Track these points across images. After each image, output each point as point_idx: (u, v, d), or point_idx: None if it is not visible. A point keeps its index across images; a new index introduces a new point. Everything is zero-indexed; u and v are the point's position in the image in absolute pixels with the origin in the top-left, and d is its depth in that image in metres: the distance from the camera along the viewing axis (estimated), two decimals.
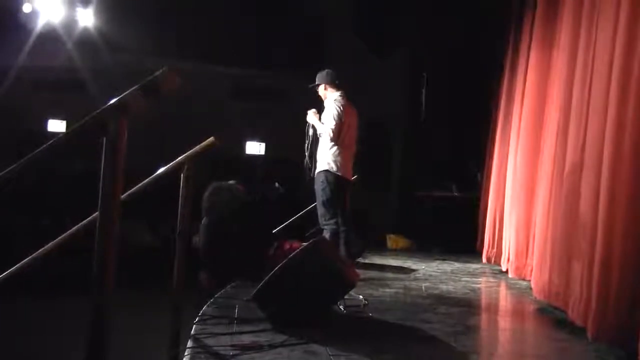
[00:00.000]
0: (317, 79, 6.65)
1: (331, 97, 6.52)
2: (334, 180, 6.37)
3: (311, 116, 6.56)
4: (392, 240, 10.78)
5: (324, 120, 6.43)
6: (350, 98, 6.67)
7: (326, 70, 6.67)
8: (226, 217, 6.18)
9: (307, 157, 6.59)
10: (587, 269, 4.36)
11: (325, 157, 6.38)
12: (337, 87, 6.60)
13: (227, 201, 6.33)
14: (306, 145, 6.61)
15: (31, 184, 8.60)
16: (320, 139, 6.48)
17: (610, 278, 3.99)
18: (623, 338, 3.82)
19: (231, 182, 6.64)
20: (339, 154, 6.38)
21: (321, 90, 6.61)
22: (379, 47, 12.44)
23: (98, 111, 2.06)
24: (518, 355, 4.17)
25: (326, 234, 6.24)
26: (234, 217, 6.17)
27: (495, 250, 8.46)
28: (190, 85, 8.64)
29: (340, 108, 6.38)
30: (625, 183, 3.97)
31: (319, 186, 6.40)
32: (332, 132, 6.31)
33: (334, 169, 6.35)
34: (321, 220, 6.42)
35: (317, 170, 6.43)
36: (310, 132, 6.59)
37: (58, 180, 10.01)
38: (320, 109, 6.59)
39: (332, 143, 6.37)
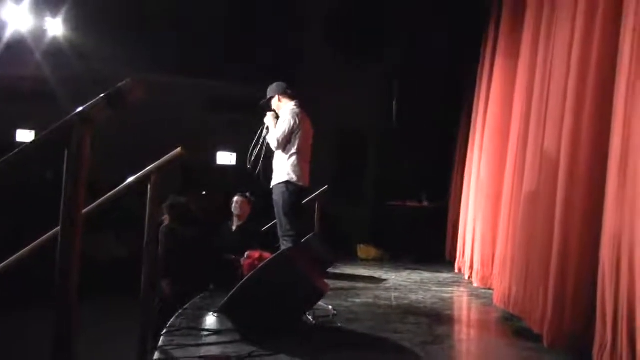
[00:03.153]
0: (268, 93, 6.61)
1: (287, 107, 6.49)
2: (295, 190, 6.36)
3: (268, 118, 6.54)
4: (362, 250, 10.79)
5: (277, 127, 6.41)
6: (318, 109, 6.67)
7: (276, 82, 6.64)
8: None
9: (250, 156, 6.53)
10: (543, 277, 4.44)
11: (284, 168, 6.34)
12: (290, 96, 6.58)
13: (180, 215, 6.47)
14: (252, 147, 6.57)
15: None
16: (276, 151, 6.45)
17: (565, 287, 4.07)
18: (578, 345, 3.89)
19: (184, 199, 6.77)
20: (297, 163, 6.35)
21: (275, 102, 6.57)
22: (351, 57, 12.48)
23: (61, 122, 2.05)
24: None
25: (287, 244, 6.21)
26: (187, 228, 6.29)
27: (464, 259, 8.52)
28: (163, 96, 8.66)
29: (296, 118, 6.37)
30: (581, 193, 4.05)
31: (279, 197, 6.35)
32: (278, 141, 6.31)
33: (294, 179, 6.32)
34: (281, 231, 6.38)
35: (276, 182, 6.39)
36: (264, 132, 6.55)
37: (28, 190, 9.89)
38: None
39: (289, 153, 6.34)
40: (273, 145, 6.36)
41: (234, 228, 7.66)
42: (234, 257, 6.83)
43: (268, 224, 7.97)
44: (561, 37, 4.69)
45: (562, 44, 4.63)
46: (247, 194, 7.73)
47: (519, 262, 5.25)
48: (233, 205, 7.68)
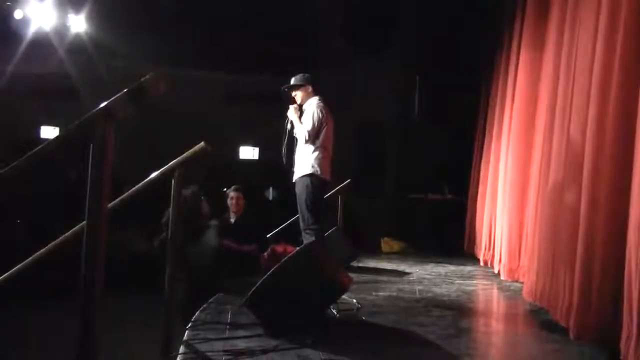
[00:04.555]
0: (297, 80, 6.55)
1: (312, 101, 6.48)
2: (318, 183, 6.35)
3: (291, 112, 6.52)
4: (386, 244, 10.77)
5: (304, 121, 6.39)
6: (337, 102, 6.67)
7: (304, 73, 6.63)
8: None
9: (284, 151, 6.54)
10: (569, 270, 4.40)
11: (308, 161, 6.33)
12: (315, 90, 6.58)
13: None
14: (283, 139, 6.58)
15: (22, 190, 8.55)
16: (299, 143, 6.45)
17: (591, 279, 4.02)
18: (605, 338, 3.84)
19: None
20: (322, 157, 6.35)
21: (301, 92, 6.56)
22: (371, 50, 12.44)
23: (84, 117, 2.06)
24: (511, 357, 4.18)
25: (310, 238, 6.20)
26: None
27: (491, 252, 8.47)
28: (184, 91, 8.69)
29: (322, 112, 6.36)
30: (606, 184, 3.99)
31: (302, 190, 6.34)
32: (309, 134, 6.30)
33: (318, 172, 6.31)
34: (304, 225, 6.37)
35: (299, 175, 6.38)
36: (289, 126, 6.55)
37: (51, 188, 9.97)
38: None
39: (314, 147, 6.34)
40: (302, 138, 6.35)
41: (232, 221, 7.79)
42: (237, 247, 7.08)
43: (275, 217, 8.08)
44: (586, 28, 4.63)
45: (586, 35, 4.57)
46: (270, 189, 7.81)
47: (545, 254, 5.21)
48: (229, 200, 7.83)
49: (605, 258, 3.92)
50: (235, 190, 7.86)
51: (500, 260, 7.58)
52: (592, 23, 4.43)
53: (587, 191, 4.14)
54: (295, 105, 6.51)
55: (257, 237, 7.54)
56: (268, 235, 7.98)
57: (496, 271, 7.73)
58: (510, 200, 7.33)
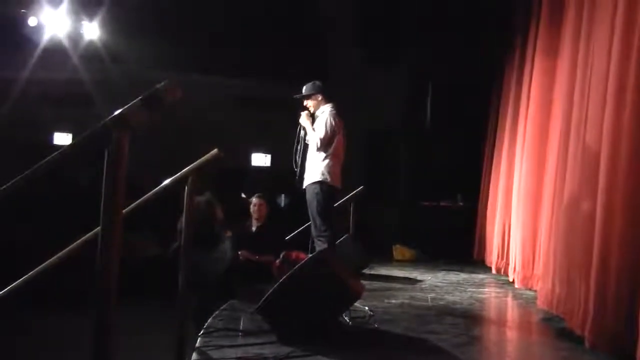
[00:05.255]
0: (308, 89, 6.60)
1: (325, 108, 6.51)
2: (328, 190, 6.37)
3: (304, 119, 6.54)
4: (397, 251, 10.75)
5: (317, 128, 6.42)
6: (348, 109, 6.68)
7: (315, 81, 6.64)
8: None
9: (296, 161, 6.56)
10: (584, 278, 4.37)
11: (318, 168, 6.35)
12: (327, 98, 6.60)
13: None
14: (295, 148, 6.60)
15: (34, 196, 8.59)
16: (310, 150, 6.46)
17: (607, 288, 3.99)
18: (620, 347, 3.81)
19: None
20: (332, 165, 6.37)
21: (313, 100, 6.58)
22: (382, 57, 12.44)
23: (100, 124, 2.06)
24: None
25: (322, 245, 6.20)
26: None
27: (504, 260, 8.43)
28: (197, 97, 8.71)
29: (335, 119, 6.39)
30: (622, 193, 3.96)
31: (312, 197, 6.37)
32: (321, 141, 6.32)
33: (328, 179, 6.34)
34: (316, 232, 6.38)
35: (309, 182, 6.40)
36: (302, 133, 6.57)
37: (63, 193, 10.01)
38: None
39: (325, 154, 6.36)
40: (314, 146, 6.37)
41: (253, 229, 7.68)
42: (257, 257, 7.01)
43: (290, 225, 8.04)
44: (601, 33, 4.61)
45: (602, 41, 4.55)
46: (282, 196, 7.78)
47: (561, 262, 5.17)
48: (252, 207, 7.70)
49: (620, 266, 3.89)
50: (258, 197, 7.74)
51: (515, 269, 7.53)
52: (608, 29, 4.40)
53: (602, 199, 4.11)
54: (307, 112, 6.54)
55: (278, 246, 7.32)
56: (287, 238, 7.89)
57: (510, 279, 7.69)
58: (525, 208, 7.29)
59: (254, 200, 7.73)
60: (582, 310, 4.37)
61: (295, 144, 6.60)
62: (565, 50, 5.89)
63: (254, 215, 7.68)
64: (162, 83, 2.15)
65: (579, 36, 5.29)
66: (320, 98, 6.57)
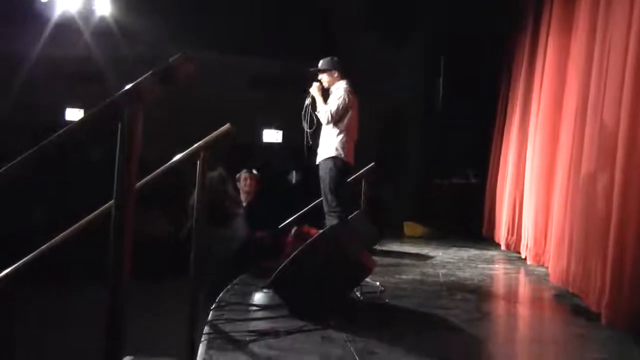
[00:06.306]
0: (325, 64, 6.58)
1: (340, 85, 6.50)
2: (342, 166, 6.37)
3: (314, 89, 6.52)
4: (408, 228, 10.75)
5: (330, 102, 6.40)
6: (362, 85, 6.67)
7: (332, 57, 6.62)
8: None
9: (305, 126, 6.54)
10: (601, 256, 4.34)
11: (332, 144, 6.36)
12: (342, 74, 6.58)
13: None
14: (303, 115, 6.57)
15: (46, 171, 8.59)
16: (323, 126, 6.46)
17: (623, 265, 3.97)
18: (638, 324, 3.80)
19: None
20: (346, 141, 6.38)
21: (328, 75, 6.55)
22: (394, 34, 12.36)
23: (113, 97, 2.06)
24: (535, 341, 4.14)
25: (333, 221, 6.22)
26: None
27: (514, 237, 8.42)
28: (209, 74, 8.69)
29: (349, 96, 6.38)
30: (639, 172, 3.94)
31: (325, 173, 6.37)
32: (332, 115, 6.30)
33: (342, 154, 6.34)
34: (327, 207, 6.39)
35: (323, 157, 6.40)
36: (307, 101, 6.54)
37: (75, 168, 10.03)
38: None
39: (339, 130, 6.35)
40: (324, 119, 6.36)
41: (244, 204, 7.50)
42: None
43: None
44: (620, 5, 4.55)
45: (621, 15, 4.48)
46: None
47: (576, 240, 5.14)
48: (241, 182, 7.56)
49: (638, 244, 3.88)
50: (247, 172, 7.61)
51: (527, 245, 7.51)
52: (627, 8, 4.34)
53: (620, 178, 4.08)
54: (319, 84, 6.52)
55: (270, 224, 7.24)
56: (280, 226, 7.78)
57: (523, 256, 7.67)
58: (537, 185, 7.26)
59: (243, 174, 7.59)
60: (598, 287, 4.35)
61: (302, 112, 6.57)
62: (581, 26, 5.81)
63: (245, 189, 7.53)
64: (175, 57, 2.14)
65: (597, 11, 5.22)
66: (336, 75, 6.56)
